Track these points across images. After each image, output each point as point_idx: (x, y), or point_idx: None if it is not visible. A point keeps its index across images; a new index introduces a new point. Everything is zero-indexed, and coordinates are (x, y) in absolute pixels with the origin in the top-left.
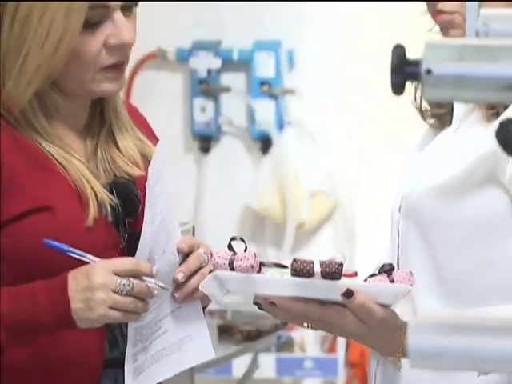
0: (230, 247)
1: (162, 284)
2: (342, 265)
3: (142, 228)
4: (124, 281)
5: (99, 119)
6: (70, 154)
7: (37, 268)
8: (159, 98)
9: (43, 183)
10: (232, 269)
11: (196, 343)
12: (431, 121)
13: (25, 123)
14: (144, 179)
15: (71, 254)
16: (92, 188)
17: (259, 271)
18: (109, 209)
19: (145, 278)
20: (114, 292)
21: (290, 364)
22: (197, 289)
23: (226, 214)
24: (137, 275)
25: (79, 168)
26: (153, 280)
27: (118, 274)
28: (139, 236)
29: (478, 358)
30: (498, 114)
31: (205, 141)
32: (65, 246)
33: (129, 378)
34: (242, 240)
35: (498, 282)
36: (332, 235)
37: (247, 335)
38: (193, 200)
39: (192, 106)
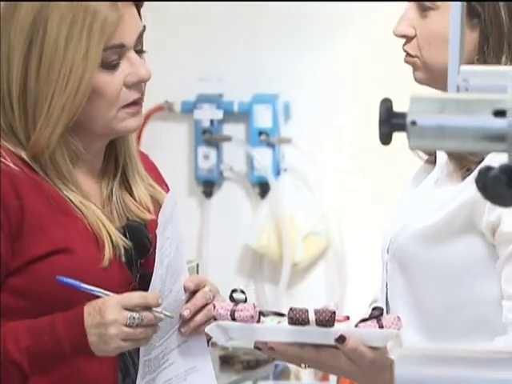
0: (231, 298)
1: (167, 313)
2: (334, 313)
3: (153, 268)
4: (134, 314)
5: (114, 165)
6: (87, 199)
7: (57, 305)
8: (166, 147)
9: (63, 227)
10: (233, 319)
11: (200, 374)
12: (426, 157)
13: (52, 169)
14: (154, 223)
15: (83, 290)
16: (107, 232)
17: (258, 320)
18: (122, 250)
19: (154, 309)
20: (126, 326)
21: None
22: (202, 324)
23: (228, 253)
24: (145, 307)
25: (96, 213)
26: (159, 310)
27: (127, 308)
28: (150, 276)
29: None
30: (469, 171)
31: (208, 186)
32: (76, 283)
33: None
34: (243, 292)
35: (474, 321)
36: (324, 272)
37: (247, 365)
38: (197, 240)
39: (196, 154)
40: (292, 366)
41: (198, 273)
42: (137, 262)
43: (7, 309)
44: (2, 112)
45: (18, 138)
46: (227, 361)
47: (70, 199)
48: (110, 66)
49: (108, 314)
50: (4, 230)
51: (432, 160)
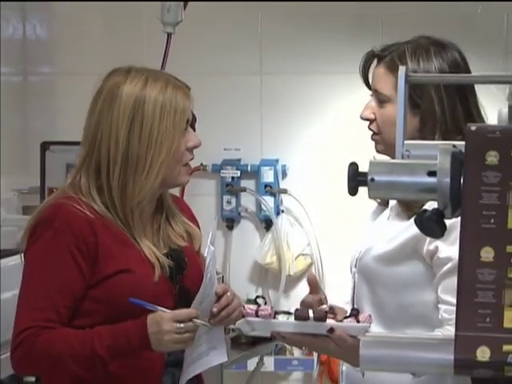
0: (255, 301)
1: (204, 322)
2: (326, 312)
3: (187, 281)
4: (181, 325)
5: (160, 209)
6: (143, 234)
7: (122, 308)
8: (202, 195)
9: (126, 254)
10: (257, 316)
11: (217, 351)
12: (379, 200)
13: (121, 216)
14: (188, 248)
15: (147, 307)
16: (157, 257)
17: (274, 317)
18: (167, 269)
19: (194, 320)
20: (176, 333)
21: (283, 362)
22: (225, 318)
23: (243, 268)
24: (189, 319)
25: (148, 245)
26: (199, 321)
27: (177, 321)
28: (186, 287)
29: (407, 364)
30: (412, 212)
31: (230, 222)
32: (143, 302)
33: (182, 372)
34: (263, 298)
35: (418, 318)
36: None
37: (255, 341)
38: (222, 259)
39: (222, 200)
40: (288, 345)
41: (223, 281)
42: (176, 276)
43: (89, 312)
44: (104, 175)
45: (102, 191)
46: (236, 341)
47: (132, 236)
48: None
49: (164, 325)
50: (85, 258)
51: (384, 202)
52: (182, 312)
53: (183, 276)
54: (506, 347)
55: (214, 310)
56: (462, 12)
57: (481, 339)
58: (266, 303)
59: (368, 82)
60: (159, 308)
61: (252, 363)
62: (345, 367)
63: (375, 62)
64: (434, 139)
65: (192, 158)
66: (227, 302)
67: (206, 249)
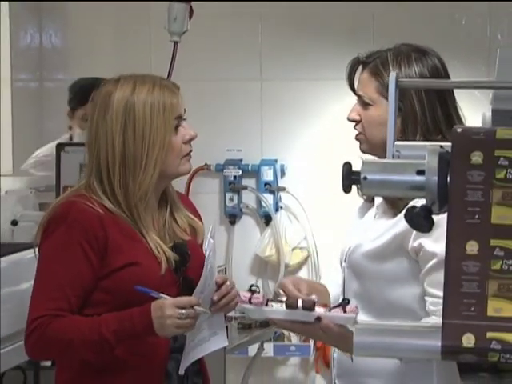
0: (249, 290)
1: (204, 310)
2: (314, 302)
3: (191, 272)
4: (183, 311)
5: (165, 203)
6: (149, 229)
7: (130, 298)
8: (206, 193)
9: (134, 248)
10: (250, 303)
11: (218, 336)
12: (365, 197)
13: (128, 212)
14: (191, 242)
15: (151, 295)
16: (163, 251)
17: (266, 304)
18: (172, 262)
19: (195, 307)
20: (177, 318)
21: (282, 348)
22: (224, 306)
23: (244, 260)
24: (190, 306)
25: (155, 239)
26: (200, 308)
27: (179, 307)
28: (189, 278)
29: (397, 351)
30: (398, 209)
31: (232, 217)
32: (148, 290)
33: (184, 357)
34: (257, 286)
35: (404, 310)
36: (305, 272)
37: (252, 326)
38: (225, 251)
39: (225, 197)
40: (286, 333)
41: (226, 273)
42: (180, 268)
43: (99, 301)
44: (105, 179)
45: (106, 193)
46: (244, 328)
47: (138, 231)
48: (175, 129)
49: (166, 310)
50: (95, 251)
51: (370, 199)
52: (184, 299)
53: (187, 268)
54: (489, 334)
55: (215, 297)
56: (448, 22)
57: (466, 327)
58: (259, 292)
59: (353, 87)
60: (162, 295)
61: (253, 349)
62: (336, 354)
63: (360, 68)
64: (415, 139)
65: (191, 150)
66: (227, 291)
67: (206, 242)
